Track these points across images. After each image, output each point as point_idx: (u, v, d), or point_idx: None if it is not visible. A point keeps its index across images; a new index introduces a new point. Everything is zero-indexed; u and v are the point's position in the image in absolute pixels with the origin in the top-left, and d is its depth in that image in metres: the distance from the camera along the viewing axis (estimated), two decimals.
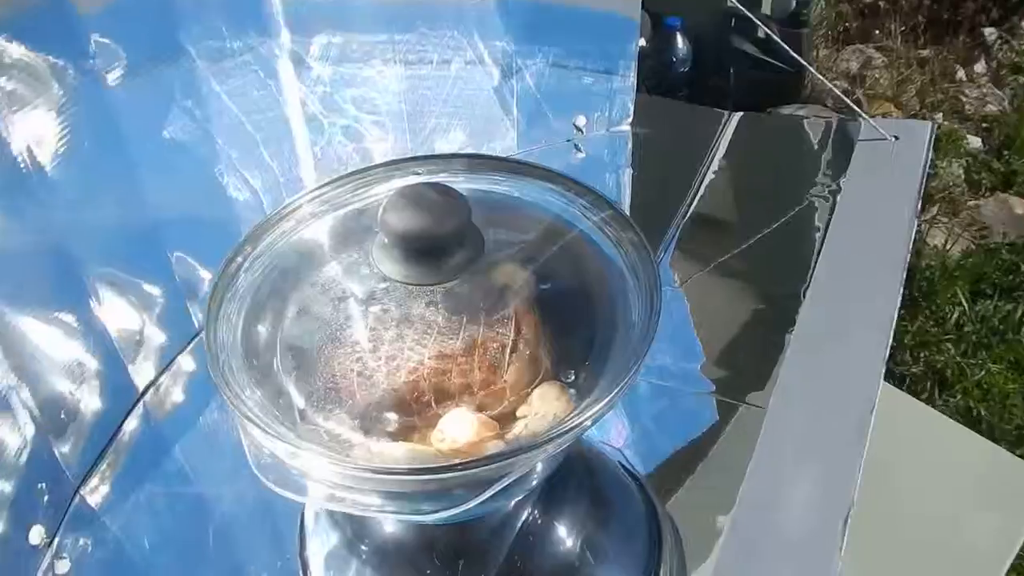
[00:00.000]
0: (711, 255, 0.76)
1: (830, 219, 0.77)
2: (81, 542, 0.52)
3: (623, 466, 0.61)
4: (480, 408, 0.39)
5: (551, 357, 0.40)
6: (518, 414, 0.42)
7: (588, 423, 0.36)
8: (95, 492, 0.57)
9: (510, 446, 0.36)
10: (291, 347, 0.40)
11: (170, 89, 0.61)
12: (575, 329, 0.42)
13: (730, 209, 0.85)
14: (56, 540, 0.52)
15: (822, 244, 0.74)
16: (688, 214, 0.75)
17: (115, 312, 0.63)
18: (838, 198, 0.73)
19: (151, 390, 0.62)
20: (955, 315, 1.40)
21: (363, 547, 0.51)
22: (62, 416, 0.55)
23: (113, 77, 0.56)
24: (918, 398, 1.29)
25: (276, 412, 0.37)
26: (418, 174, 0.49)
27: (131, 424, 0.62)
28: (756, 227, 0.72)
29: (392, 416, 0.41)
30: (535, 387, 0.42)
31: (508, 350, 0.39)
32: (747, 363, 0.61)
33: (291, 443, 0.34)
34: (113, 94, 0.56)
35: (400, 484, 0.34)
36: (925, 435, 0.88)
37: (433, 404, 0.41)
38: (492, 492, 0.34)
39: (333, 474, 0.34)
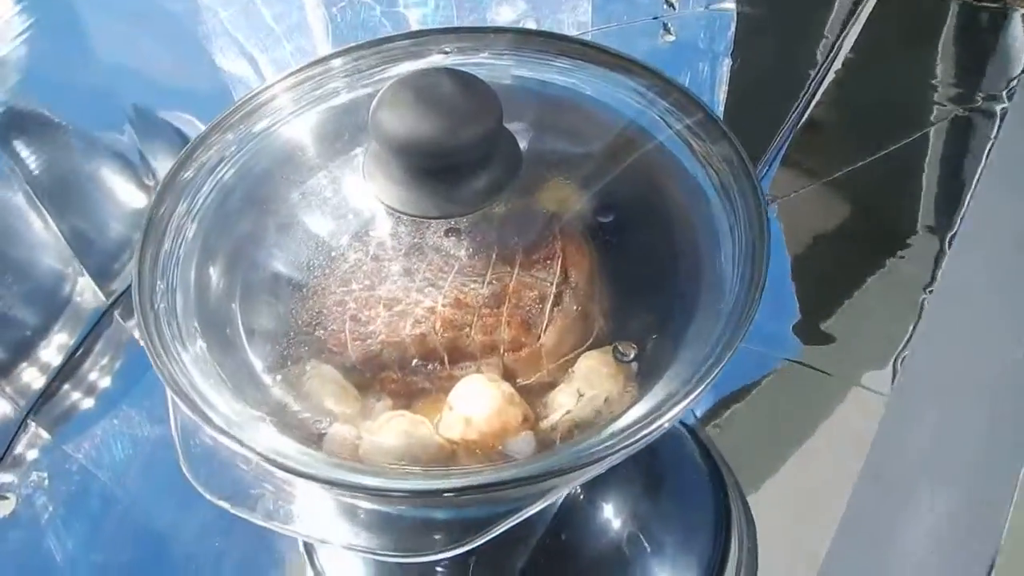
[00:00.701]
0: (823, 175, 0.63)
1: (993, 142, 0.63)
2: (33, 476, 0.47)
3: (687, 427, 0.53)
4: (506, 375, 0.33)
5: (606, 316, 0.34)
6: (554, 395, 0.33)
7: (663, 424, 0.26)
8: (54, 417, 0.51)
9: (546, 459, 0.27)
10: (258, 282, 0.34)
11: None
12: (643, 280, 0.35)
13: (855, 116, 0.71)
14: None
15: (979, 175, 0.60)
16: (801, 122, 0.62)
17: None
18: (1004, 113, 0.59)
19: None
20: None
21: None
22: (18, 315, 0.49)
23: None
24: None
25: (223, 374, 0.29)
26: (446, 53, 0.38)
27: (107, 330, 0.55)
28: (886, 142, 0.58)
29: (390, 378, 0.33)
30: (580, 354, 0.33)
31: (549, 302, 0.33)
32: (861, 330, 0.50)
33: (229, 431, 0.25)
34: None
35: (385, 502, 0.26)
36: None
37: (446, 364, 0.33)
38: (519, 519, 0.25)
39: (285, 475, 0.25)
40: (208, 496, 0.26)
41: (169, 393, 0.26)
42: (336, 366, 0.33)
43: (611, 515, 0.45)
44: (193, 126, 0.59)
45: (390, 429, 0.32)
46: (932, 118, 0.67)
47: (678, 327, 0.32)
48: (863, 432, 0.49)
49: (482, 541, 0.26)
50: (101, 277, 0.56)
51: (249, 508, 0.26)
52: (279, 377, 0.31)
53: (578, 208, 0.36)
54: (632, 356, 0.32)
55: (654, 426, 0.26)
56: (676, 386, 0.28)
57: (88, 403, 0.53)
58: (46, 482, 0.47)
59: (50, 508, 0.47)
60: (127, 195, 0.59)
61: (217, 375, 0.29)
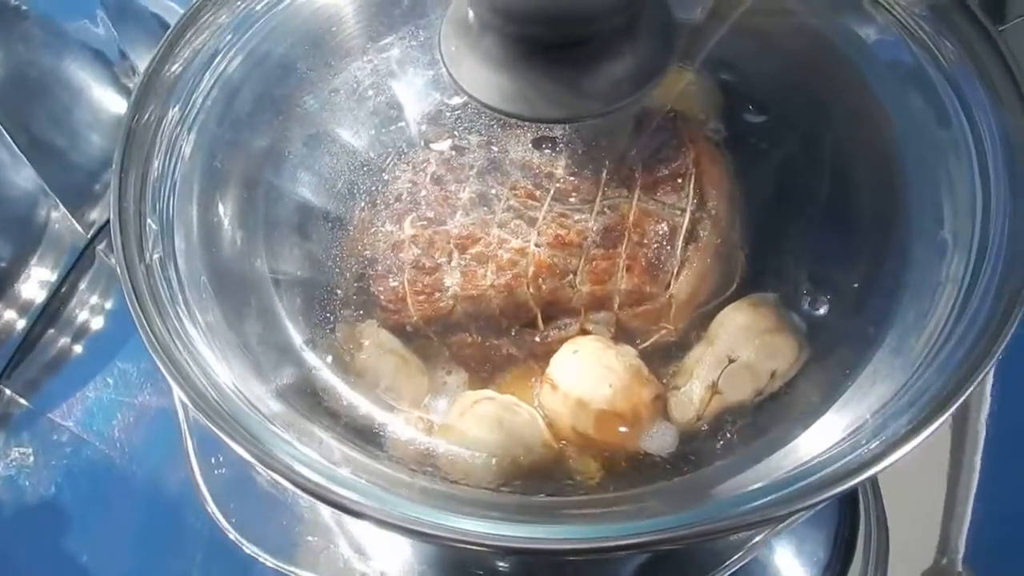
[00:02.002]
0: None
1: None
2: (14, 454, 0.41)
3: None
4: (621, 334, 0.27)
5: (760, 255, 0.27)
6: (690, 365, 0.26)
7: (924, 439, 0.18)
8: (31, 378, 0.45)
9: (706, 514, 0.19)
10: (285, 218, 0.27)
11: None
12: (814, 202, 0.27)
13: None
14: None
15: None
16: None
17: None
18: None
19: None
20: None
21: None
22: None
23: None
24: None
25: (249, 353, 0.21)
26: None
27: (90, 269, 0.49)
28: None
29: (464, 343, 0.27)
30: (721, 303, 0.27)
31: (681, 236, 0.26)
32: None
33: (263, 450, 0.18)
34: None
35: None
36: None
37: (540, 324, 0.27)
38: None
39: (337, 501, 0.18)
40: (244, 545, 0.19)
41: (176, 390, 0.19)
42: (393, 330, 0.27)
43: None
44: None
45: (474, 419, 0.25)
46: None
47: (883, 270, 0.24)
48: None
49: None
50: (76, 203, 0.49)
51: (309, 567, 0.19)
52: (323, 353, 0.24)
53: (715, 104, 0.29)
54: (823, 308, 0.24)
55: (915, 441, 0.18)
56: (940, 372, 0.20)
57: (74, 356, 0.47)
58: (31, 458, 0.41)
59: (40, 489, 0.42)
60: (105, 100, 0.51)
61: (240, 355, 0.22)
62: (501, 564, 0.25)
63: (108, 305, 0.50)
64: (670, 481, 0.22)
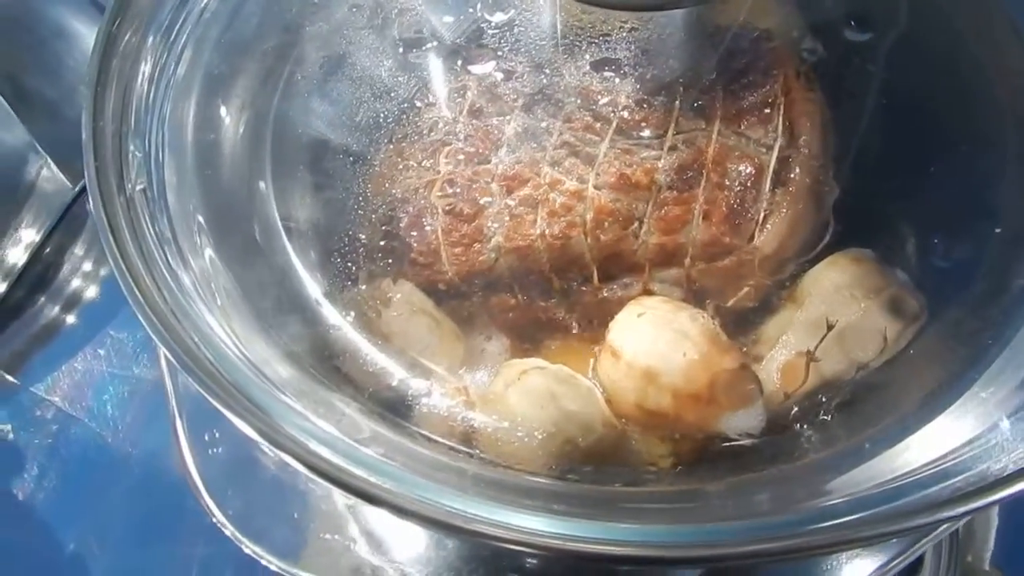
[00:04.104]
0: None
1: None
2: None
3: None
4: (697, 294, 0.24)
5: (861, 200, 0.24)
6: (776, 329, 0.23)
7: None
8: (15, 350, 0.42)
9: (822, 517, 0.15)
10: (300, 148, 0.24)
11: None
12: (941, 138, 0.24)
13: None
14: None
15: None
16: None
17: None
18: None
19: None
20: None
21: None
22: None
23: None
24: None
25: (254, 305, 0.18)
26: None
27: (85, 227, 0.46)
28: None
29: (506, 303, 0.24)
30: (813, 258, 0.24)
31: (768, 177, 0.24)
32: None
33: (260, 411, 0.14)
34: None
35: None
36: None
37: (597, 282, 0.24)
38: None
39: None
40: (244, 543, 0.16)
41: (160, 348, 0.16)
42: (425, 287, 0.24)
43: None
44: None
45: (521, 393, 0.22)
46: None
47: None
48: None
49: None
50: (69, 160, 0.46)
51: (323, 572, 0.16)
52: (344, 309, 0.21)
53: (807, 21, 0.25)
54: (947, 263, 0.21)
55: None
56: None
57: (63, 326, 0.44)
58: (10, 435, 0.39)
59: (20, 470, 0.39)
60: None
61: (243, 308, 0.18)
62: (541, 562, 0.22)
63: (103, 272, 0.48)
64: (761, 472, 0.19)
